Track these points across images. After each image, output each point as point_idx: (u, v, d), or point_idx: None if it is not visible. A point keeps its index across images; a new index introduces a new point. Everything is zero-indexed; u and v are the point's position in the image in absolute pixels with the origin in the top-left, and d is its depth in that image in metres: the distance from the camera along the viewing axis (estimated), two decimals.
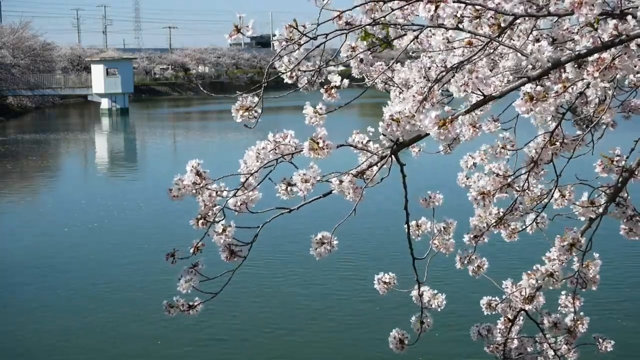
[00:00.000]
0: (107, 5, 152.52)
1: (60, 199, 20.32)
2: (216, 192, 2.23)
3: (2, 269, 13.06)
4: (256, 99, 2.40)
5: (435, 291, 2.87)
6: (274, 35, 2.43)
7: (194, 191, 2.20)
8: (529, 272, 2.80)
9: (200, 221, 2.23)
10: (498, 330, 2.99)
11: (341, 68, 2.54)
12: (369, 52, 2.75)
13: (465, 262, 3.02)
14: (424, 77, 2.81)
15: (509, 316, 2.97)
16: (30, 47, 60.93)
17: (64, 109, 59.64)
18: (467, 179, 2.86)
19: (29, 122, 48.74)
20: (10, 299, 11.41)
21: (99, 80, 54.32)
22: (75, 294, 11.57)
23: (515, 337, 2.98)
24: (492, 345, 3.00)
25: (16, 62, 57.42)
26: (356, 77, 2.98)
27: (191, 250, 2.27)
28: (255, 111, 2.38)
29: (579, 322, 2.91)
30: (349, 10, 2.45)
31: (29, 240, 15.15)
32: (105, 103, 53.79)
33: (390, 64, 2.98)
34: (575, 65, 2.38)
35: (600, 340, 2.99)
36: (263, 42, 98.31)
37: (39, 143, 34.58)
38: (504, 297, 2.98)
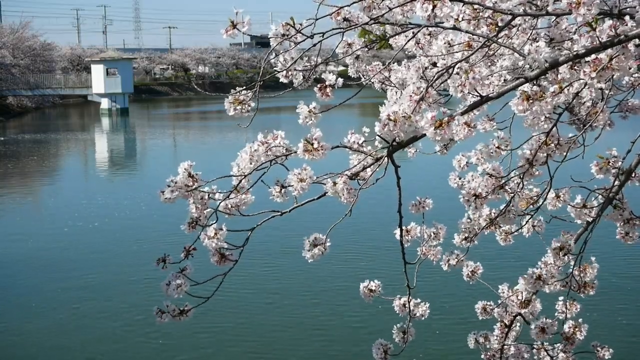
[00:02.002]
0: (107, 5, 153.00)
1: (60, 199, 20.30)
2: (208, 195, 2.20)
3: (2, 268, 13.04)
4: (250, 94, 2.38)
5: (419, 300, 2.84)
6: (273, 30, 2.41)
7: (185, 193, 2.18)
8: (524, 276, 2.77)
9: (192, 225, 2.20)
10: (494, 337, 2.95)
11: (341, 68, 2.52)
12: (366, 49, 2.72)
13: (453, 263, 2.98)
14: (421, 77, 2.80)
15: (505, 321, 2.94)
16: (30, 47, 60.93)
17: (64, 109, 59.63)
18: (459, 179, 2.82)
19: (29, 122, 48.73)
20: (11, 298, 11.40)
21: (99, 80, 54.30)
22: (76, 293, 11.55)
23: (512, 343, 2.95)
24: (488, 353, 2.97)
25: (16, 62, 57.44)
26: (352, 76, 2.96)
27: (182, 255, 2.24)
28: (249, 105, 2.36)
29: (576, 329, 2.87)
30: (347, 6, 2.43)
31: (29, 239, 15.13)
32: (105, 103, 53.77)
33: (388, 64, 2.96)
34: (569, 67, 2.37)
35: (599, 349, 2.95)
36: (263, 42, 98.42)
37: (39, 143, 34.57)
38: (499, 301, 2.95)
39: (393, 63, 3.02)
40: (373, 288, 2.74)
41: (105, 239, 15.10)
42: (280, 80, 2.50)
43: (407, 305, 2.81)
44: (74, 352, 9.37)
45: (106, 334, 9.88)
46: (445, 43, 2.55)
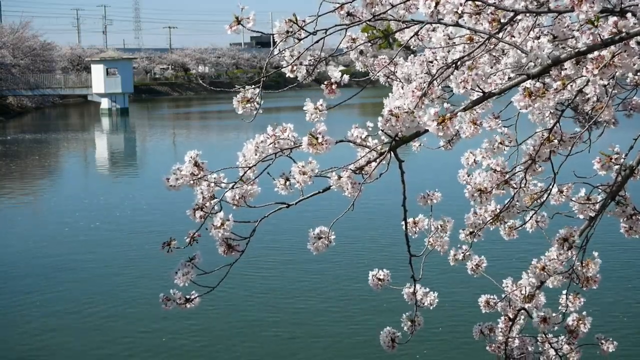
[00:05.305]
0: (107, 5, 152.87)
1: (61, 199, 20.31)
2: (215, 183, 2.22)
3: (3, 268, 13.05)
4: (256, 90, 2.40)
5: (427, 289, 2.86)
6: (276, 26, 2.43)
7: (191, 182, 2.20)
8: (529, 269, 2.79)
9: (198, 213, 2.23)
10: (499, 330, 2.98)
11: (341, 68, 2.54)
12: (369, 44, 2.75)
13: (460, 258, 3.01)
14: (426, 72, 2.82)
15: (510, 315, 2.97)
16: (30, 47, 60.91)
17: (64, 109, 59.63)
18: (468, 176, 2.84)
19: (29, 122, 48.73)
20: (12, 298, 11.41)
21: (99, 80, 54.28)
22: (77, 293, 11.56)
23: (516, 336, 2.97)
24: (493, 345, 3.00)
25: (16, 62, 57.41)
26: (360, 70, 2.99)
27: (187, 240, 2.27)
28: (257, 102, 2.38)
29: (580, 322, 2.89)
30: (350, 2, 2.45)
31: (30, 239, 15.14)
32: (105, 103, 53.76)
33: (393, 57, 2.98)
34: (574, 63, 2.38)
35: (603, 341, 2.97)
36: (263, 42, 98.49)
37: (40, 143, 34.58)
38: (503, 295, 2.97)
39: (397, 58, 3.04)
40: (382, 277, 2.76)
41: (106, 238, 15.10)
42: (287, 76, 2.52)
43: (414, 295, 2.83)
44: (76, 351, 9.38)
45: (107, 331, 9.89)
46: (444, 35, 2.57)
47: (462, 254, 3.00)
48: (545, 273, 2.73)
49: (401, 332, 2.80)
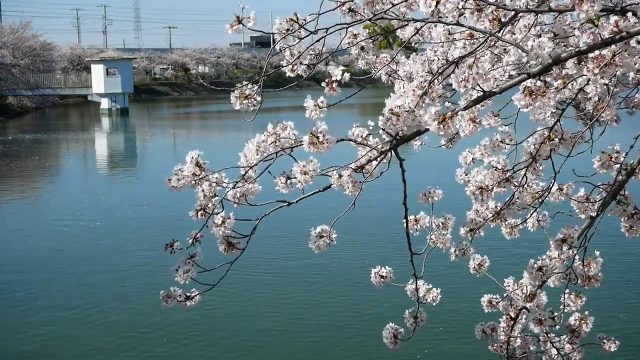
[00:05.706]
0: (107, 5, 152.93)
1: (61, 199, 20.31)
2: (216, 183, 2.23)
3: (3, 268, 13.05)
4: (256, 87, 2.41)
5: (430, 285, 2.87)
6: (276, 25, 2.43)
7: (193, 182, 2.20)
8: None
9: (200, 212, 2.23)
10: (501, 329, 2.98)
11: (341, 68, 2.55)
12: (370, 40, 2.75)
13: (460, 254, 3.02)
14: (427, 71, 2.83)
15: (511, 314, 2.97)
16: (30, 47, 60.93)
17: (64, 109, 59.64)
18: (465, 175, 2.84)
19: (29, 122, 48.74)
20: (12, 298, 11.41)
21: (99, 80, 54.29)
22: (77, 293, 11.56)
23: (518, 335, 2.97)
24: (495, 344, 3.00)
25: (16, 62, 57.43)
26: (362, 68, 3.00)
27: (190, 241, 2.27)
28: (255, 99, 2.39)
29: (582, 322, 2.89)
30: (350, 0, 2.46)
31: (30, 239, 15.14)
32: (105, 103, 53.76)
33: (395, 55, 2.99)
34: (576, 62, 2.38)
35: (605, 341, 2.97)
36: (263, 42, 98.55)
37: (40, 143, 34.58)
38: (505, 295, 2.97)
39: (400, 56, 3.05)
40: (384, 274, 2.76)
41: (106, 238, 15.10)
42: (287, 75, 2.52)
43: (416, 292, 2.83)
44: (76, 350, 9.38)
45: (109, 333, 9.90)
46: (444, 30, 2.57)
47: (462, 250, 3.01)
48: (542, 273, 2.73)
49: (404, 329, 2.80)
